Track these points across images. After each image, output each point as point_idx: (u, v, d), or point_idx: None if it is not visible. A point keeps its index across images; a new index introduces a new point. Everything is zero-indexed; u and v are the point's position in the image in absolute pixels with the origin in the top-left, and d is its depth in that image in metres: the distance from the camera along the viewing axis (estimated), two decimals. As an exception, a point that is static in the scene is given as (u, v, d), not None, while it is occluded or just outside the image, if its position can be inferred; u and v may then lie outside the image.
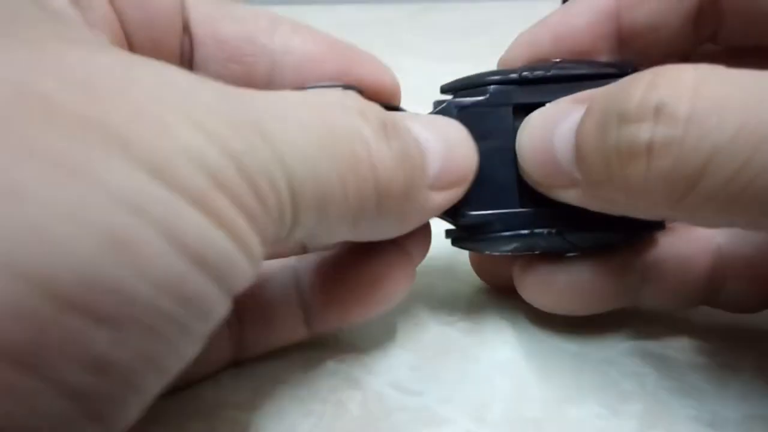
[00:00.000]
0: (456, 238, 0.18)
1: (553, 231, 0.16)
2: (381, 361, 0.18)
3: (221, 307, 0.11)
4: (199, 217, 0.10)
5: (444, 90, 0.17)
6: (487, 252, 0.18)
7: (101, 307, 0.09)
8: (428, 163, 0.15)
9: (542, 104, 0.16)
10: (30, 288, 0.08)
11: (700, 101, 0.12)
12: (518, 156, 0.16)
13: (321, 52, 0.17)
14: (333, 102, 0.13)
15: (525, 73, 0.16)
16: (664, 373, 0.17)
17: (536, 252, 0.17)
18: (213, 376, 0.18)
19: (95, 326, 0.09)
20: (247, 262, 0.11)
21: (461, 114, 0.16)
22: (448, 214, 0.17)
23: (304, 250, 0.19)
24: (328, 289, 0.17)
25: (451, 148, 0.15)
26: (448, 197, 0.16)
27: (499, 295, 0.21)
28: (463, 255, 0.23)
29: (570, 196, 0.15)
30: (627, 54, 0.17)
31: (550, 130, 0.15)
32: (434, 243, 0.24)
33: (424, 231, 0.18)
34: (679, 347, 0.18)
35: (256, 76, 0.16)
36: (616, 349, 0.18)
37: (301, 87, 0.15)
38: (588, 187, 0.15)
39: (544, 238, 0.16)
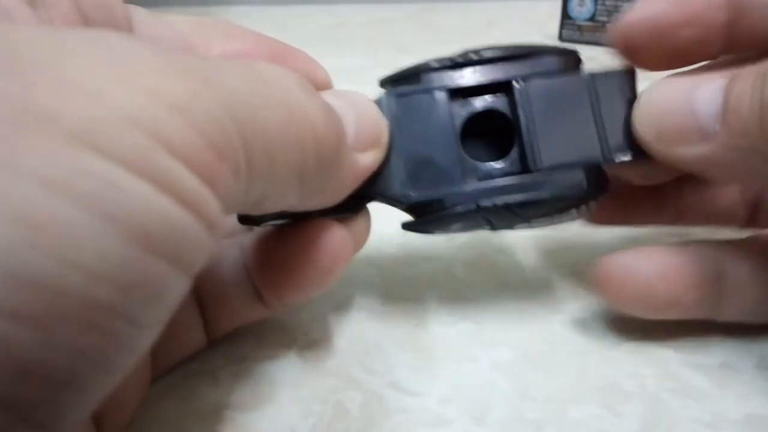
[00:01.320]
0: (406, 222, 0.18)
1: (499, 203, 0.16)
2: (381, 361, 0.18)
3: (177, 288, 0.10)
4: (140, 185, 0.09)
5: (382, 83, 0.18)
6: (437, 232, 0.18)
7: (21, 305, 0.08)
8: (345, 124, 0.15)
9: (476, 87, 0.17)
10: None
11: None
12: (642, 114, 0.16)
13: (249, 50, 0.17)
14: (256, 61, 0.13)
15: (457, 59, 0.17)
16: (664, 373, 0.17)
17: (486, 228, 0.17)
18: (212, 375, 0.18)
19: (16, 327, 0.08)
20: (204, 231, 0.10)
21: (399, 101, 0.17)
22: (394, 199, 0.17)
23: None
24: (267, 269, 0.17)
25: (361, 112, 0.16)
26: (369, 159, 0.16)
27: (498, 295, 0.21)
28: (462, 255, 0.23)
29: (697, 150, 0.16)
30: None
31: (688, 90, 0.16)
32: (434, 244, 0.24)
33: (364, 215, 0.18)
34: (679, 347, 0.18)
35: None
36: (616, 349, 0.18)
37: None
38: (731, 140, 0.15)
39: (491, 212, 0.16)
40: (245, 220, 0.17)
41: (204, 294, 0.17)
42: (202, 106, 0.10)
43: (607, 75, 0.17)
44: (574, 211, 0.17)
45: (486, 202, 0.16)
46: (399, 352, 0.19)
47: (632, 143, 0.17)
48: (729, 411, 0.16)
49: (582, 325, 0.19)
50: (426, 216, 0.17)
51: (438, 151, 0.17)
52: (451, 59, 0.17)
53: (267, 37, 0.17)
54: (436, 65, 0.17)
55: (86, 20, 0.14)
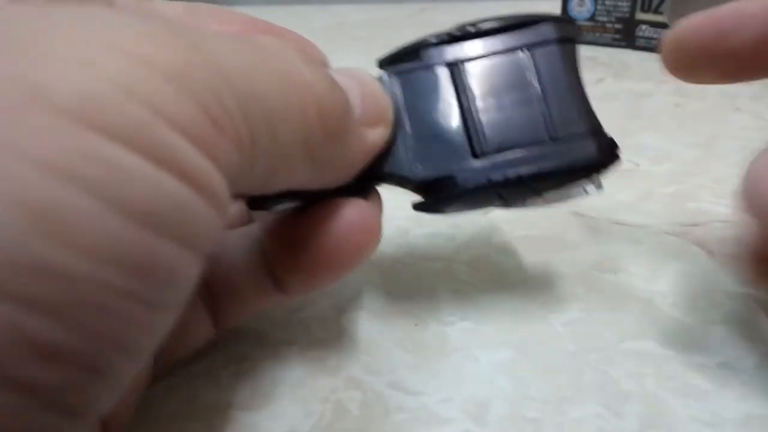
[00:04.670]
0: (416, 203, 0.17)
1: (511, 176, 0.16)
2: (381, 361, 0.18)
3: (190, 268, 0.10)
4: (140, 163, 0.09)
5: (381, 63, 0.17)
6: (448, 211, 0.17)
7: (33, 291, 0.08)
8: (351, 98, 0.15)
9: (476, 59, 0.16)
10: None
11: None
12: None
13: (242, 32, 0.16)
14: (254, 35, 0.13)
15: (455, 33, 0.17)
16: (664, 373, 0.17)
17: (499, 205, 0.17)
18: (213, 375, 0.18)
19: (32, 313, 0.08)
20: (209, 206, 0.10)
21: (402, 78, 0.17)
22: (403, 178, 0.17)
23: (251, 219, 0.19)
24: (290, 252, 0.17)
25: (366, 88, 0.15)
26: (377, 135, 0.16)
27: (498, 295, 0.21)
28: (462, 255, 0.23)
29: None
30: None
31: None
32: (434, 243, 0.24)
33: (375, 197, 0.18)
34: (679, 347, 0.18)
35: None
36: (616, 349, 0.18)
37: None
38: None
39: (503, 186, 0.16)
40: (255, 205, 0.17)
41: (212, 284, 0.17)
42: (198, 75, 0.10)
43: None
44: (587, 183, 0.17)
45: (497, 176, 0.16)
46: (399, 352, 0.19)
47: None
48: (729, 411, 0.16)
49: (582, 325, 0.19)
50: (437, 194, 0.17)
51: (444, 128, 0.16)
52: (448, 33, 0.17)
53: (258, 19, 0.17)
54: (434, 40, 0.17)
55: None
